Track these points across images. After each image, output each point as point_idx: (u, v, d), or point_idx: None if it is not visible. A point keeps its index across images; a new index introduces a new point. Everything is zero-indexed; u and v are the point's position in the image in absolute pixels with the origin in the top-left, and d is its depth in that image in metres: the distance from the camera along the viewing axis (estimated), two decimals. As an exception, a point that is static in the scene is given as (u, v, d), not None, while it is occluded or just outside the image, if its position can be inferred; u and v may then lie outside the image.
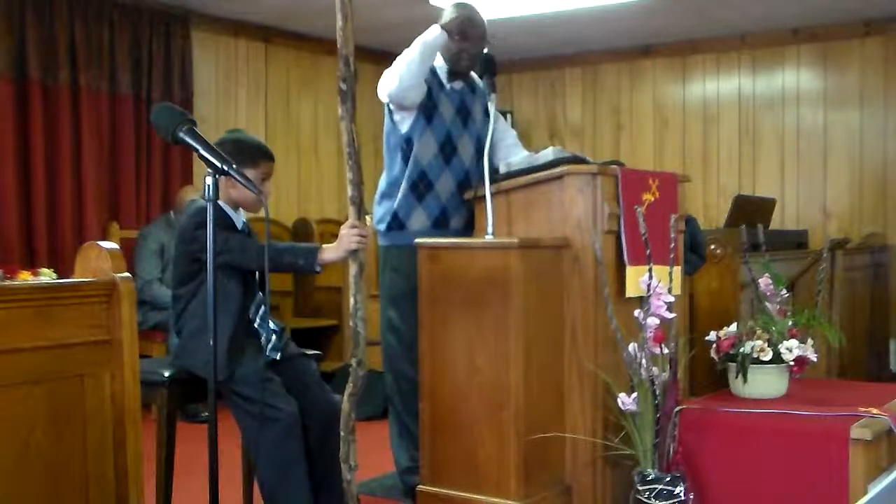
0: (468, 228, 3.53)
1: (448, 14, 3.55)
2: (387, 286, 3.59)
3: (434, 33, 3.42)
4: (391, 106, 3.51)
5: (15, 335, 2.23)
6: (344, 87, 2.66)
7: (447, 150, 3.52)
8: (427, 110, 3.47)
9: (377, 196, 3.63)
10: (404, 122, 3.49)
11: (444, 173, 3.51)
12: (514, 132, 3.84)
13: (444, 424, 3.21)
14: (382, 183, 3.61)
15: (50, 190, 5.35)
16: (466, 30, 3.51)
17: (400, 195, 3.50)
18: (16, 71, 5.22)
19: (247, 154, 2.96)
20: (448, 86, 3.55)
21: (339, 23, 2.65)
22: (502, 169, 3.45)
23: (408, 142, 3.49)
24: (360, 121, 2.82)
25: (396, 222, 3.53)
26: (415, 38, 3.42)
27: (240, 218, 3.08)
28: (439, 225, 3.52)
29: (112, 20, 5.64)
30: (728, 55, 7.05)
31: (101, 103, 5.59)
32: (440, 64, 3.57)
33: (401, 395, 3.56)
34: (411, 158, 3.49)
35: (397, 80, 3.39)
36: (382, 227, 3.57)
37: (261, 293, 3.05)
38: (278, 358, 3.00)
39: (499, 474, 3.08)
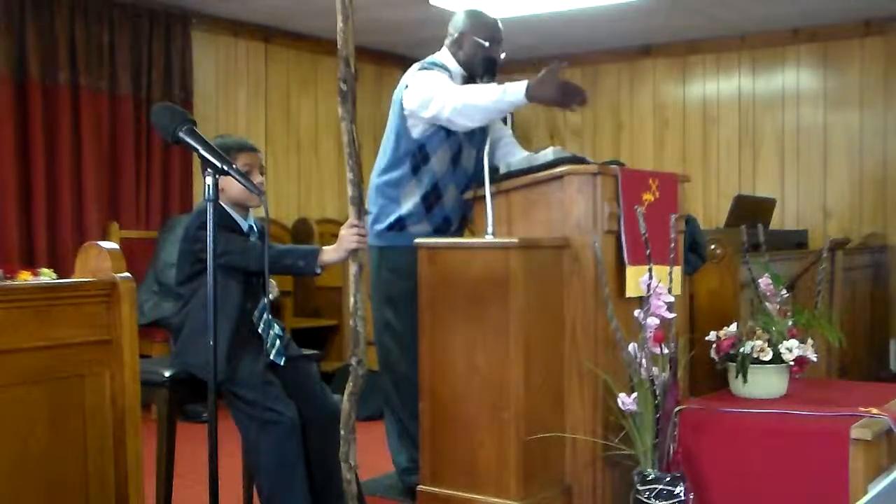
0: (462, 228, 3.55)
1: (468, 24, 3.56)
2: (384, 287, 3.56)
3: (521, 101, 3.21)
4: (406, 112, 3.47)
5: (15, 335, 2.23)
6: (344, 87, 2.66)
7: (456, 159, 3.52)
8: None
9: (372, 191, 3.59)
10: (416, 128, 3.46)
11: (451, 182, 3.52)
12: (509, 131, 3.86)
13: (443, 424, 3.21)
14: (381, 181, 3.57)
15: (50, 190, 5.35)
16: (497, 34, 3.56)
17: (410, 203, 3.49)
18: (16, 71, 5.22)
19: (222, 152, 2.94)
20: None
21: (340, 23, 2.65)
22: (502, 169, 3.45)
23: (420, 148, 3.47)
24: (360, 121, 2.82)
25: (399, 225, 3.52)
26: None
27: (247, 221, 3.08)
28: (440, 230, 3.52)
29: (112, 20, 5.63)
30: (728, 55, 7.05)
31: (101, 103, 5.59)
32: (455, 68, 3.56)
33: (400, 396, 3.55)
34: (426, 168, 3.48)
35: (448, 112, 3.28)
36: (381, 226, 3.54)
37: (264, 296, 3.05)
38: (282, 363, 3.00)
39: (499, 474, 3.08)
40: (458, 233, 3.60)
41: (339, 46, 2.66)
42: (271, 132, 6.78)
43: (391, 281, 3.52)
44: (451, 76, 3.50)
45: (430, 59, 3.59)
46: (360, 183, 2.74)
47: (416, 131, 3.46)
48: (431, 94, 3.34)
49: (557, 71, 3.18)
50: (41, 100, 5.30)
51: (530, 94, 3.17)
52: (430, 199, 3.50)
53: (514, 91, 3.20)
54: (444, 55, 3.61)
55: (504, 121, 4.07)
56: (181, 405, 3.24)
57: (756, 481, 3.08)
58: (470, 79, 3.54)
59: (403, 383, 3.49)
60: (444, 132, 3.45)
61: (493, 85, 3.31)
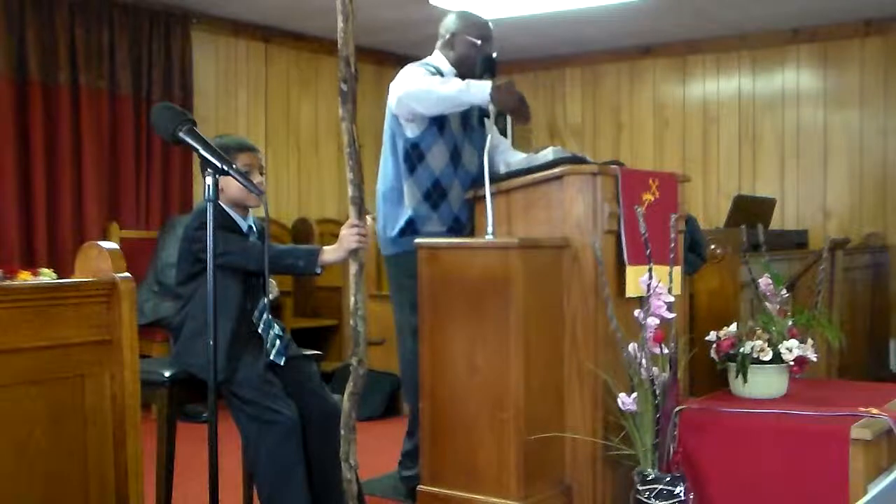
0: (473, 231, 3.55)
1: (459, 24, 3.58)
2: (409, 293, 3.43)
3: (483, 98, 3.27)
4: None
5: (15, 335, 2.23)
6: (345, 87, 2.67)
7: (455, 158, 3.51)
8: (439, 120, 3.44)
9: (379, 199, 3.59)
10: (409, 127, 3.46)
11: (454, 181, 3.51)
12: (507, 141, 3.90)
13: (443, 424, 3.21)
14: (385, 187, 3.56)
15: (50, 190, 5.35)
16: (487, 32, 3.57)
17: (414, 203, 3.46)
18: (16, 71, 5.22)
19: (222, 152, 2.94)
20: None
21: (340, 23, 2.66)
22: (502, 170, 3.45)
23: (414, 147, 3.46)
24: (360, 121, 2.82)
25: (411, 228, 3.47)
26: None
27: (246, 221, 3.08)
28: (453, 230, 3.50)
29: (112, 20, 5.64)
30: (728, 55, 7.05)
31: (101, 103, 5.59)
32: (447, 69, 3.56)
33: None
34: (422, 167, 3.46)
35: (401, 93, 3.36)
36: (393, 233, 3.51)
37: (264, 296, 3.04)
38: (282, 363, 2.99)
39: (499, 474, 3.08)
40: (470, 236, 3.56)
41: (339, 46, 2.67)
42: (271, 132, 6.78)
43: (414, 287, 3.38)
44: (443, 77, 3.50)
45: (421, 61, 3.60)
46: (360, 183, 2.74)
47: (408, 130, 3.46)
48: (398, 82, 3.40)
49: (514, 85, 3.35)
50: (41, 100, 5.30)
51: (494, 95, 3.26)
52: (434, 198, 3.48)
53: (478, 87, 3.29)
54: (436, 57, 3.62)
55: (503, 132, 4.08)
56: (181, 405, 3.24)
57: (756, 481, 3.08)
58: (463, 79, 3.53)
59: None
60: (436, 129, 3.45)
61: (457, 79, 3.39)
